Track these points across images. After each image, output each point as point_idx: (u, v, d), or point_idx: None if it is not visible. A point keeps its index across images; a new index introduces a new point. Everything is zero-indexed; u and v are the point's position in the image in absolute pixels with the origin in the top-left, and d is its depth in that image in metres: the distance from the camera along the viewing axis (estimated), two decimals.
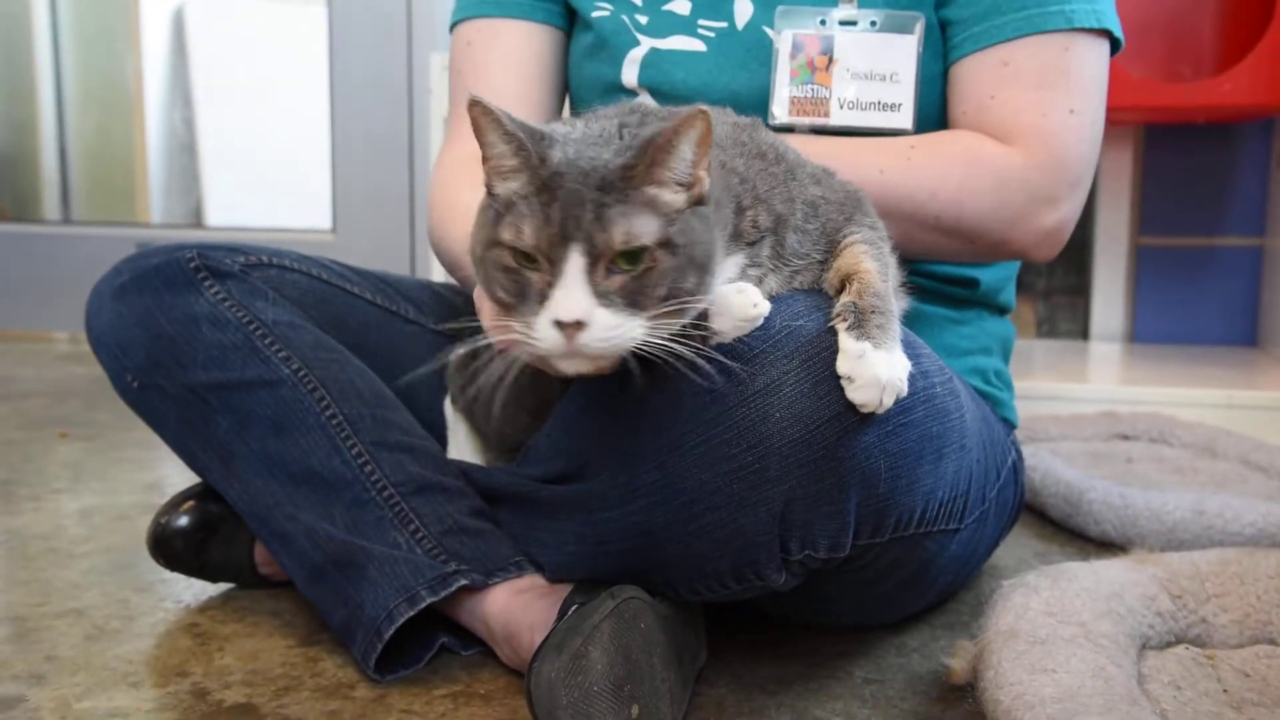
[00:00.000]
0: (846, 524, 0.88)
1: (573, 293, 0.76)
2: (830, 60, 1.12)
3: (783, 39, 1.13)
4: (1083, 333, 2.67)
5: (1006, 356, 1.37)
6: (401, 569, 1.05)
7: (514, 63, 1.26)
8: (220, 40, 3.70)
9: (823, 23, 1.12)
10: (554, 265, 0.77)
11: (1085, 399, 2.05)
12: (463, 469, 1.14)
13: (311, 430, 1.09)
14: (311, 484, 1.09)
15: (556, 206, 0.77)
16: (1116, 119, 2.40)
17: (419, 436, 1.15)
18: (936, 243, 1.12)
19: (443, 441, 1.22)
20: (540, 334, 0.77)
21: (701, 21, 1.18)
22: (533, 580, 1.05)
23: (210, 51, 3.67)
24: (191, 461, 1.16)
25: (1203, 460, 1.80)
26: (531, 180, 0.79)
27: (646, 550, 0.93)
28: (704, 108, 0.77)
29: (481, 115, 0.79)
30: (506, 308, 0.80)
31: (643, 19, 1.20)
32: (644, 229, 0.77)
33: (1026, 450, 1.72)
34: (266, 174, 3.63)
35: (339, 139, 2.82)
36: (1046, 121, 1.10)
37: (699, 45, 1.18)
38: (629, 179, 0.78)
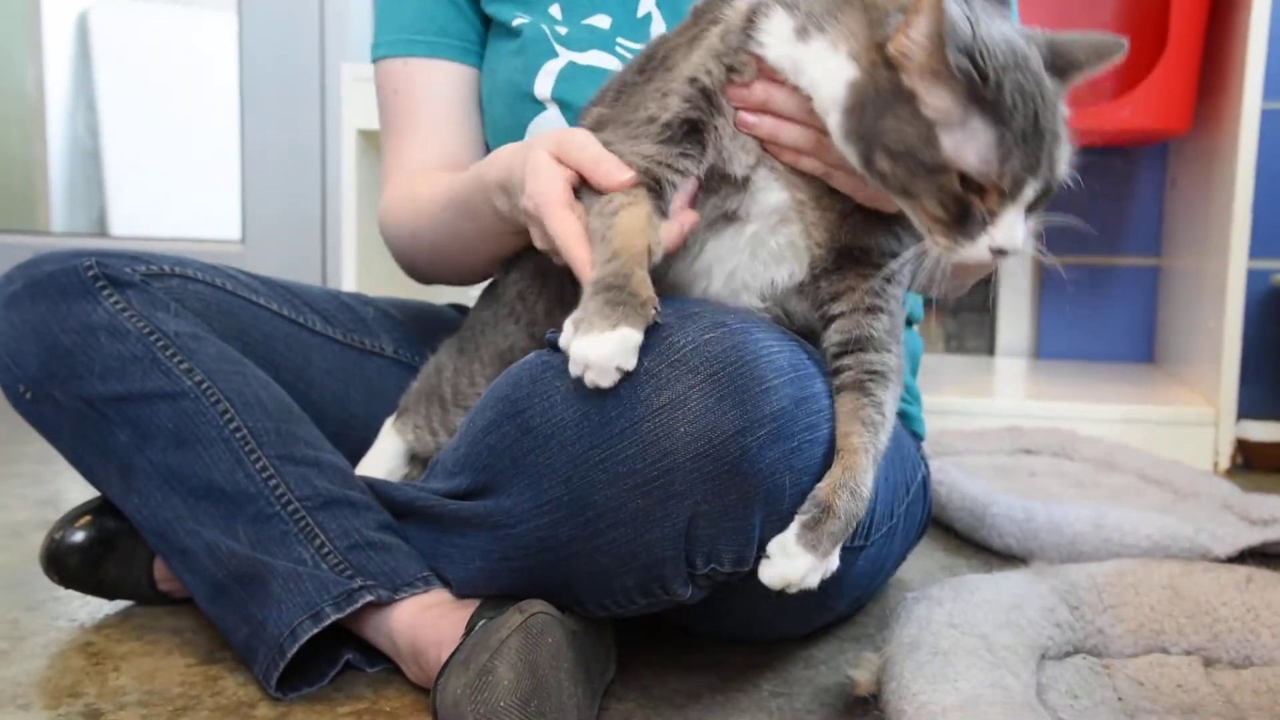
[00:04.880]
0: (751, 538, 0.89)
1: (1018, 227, 0.80)
2: None
3: None
4: (989, 348, 2.72)
5: (915, 369, 1.39)
6: (306, 585, 1.03)
7: (445, 98, 1.29)
8: (127, 45, 3.61)
9: None
10: (1004, 198, 0.80)
11: (991, 414, 2.10)
12: (370, 483, 1.12)
13: (214, 443, 1.07)
14: (214, 498, 1.06)
15: (1020, 145, 0.79)
16: None
17: (325, 450, 1.13)
18: None
19: (350, 456, 1.20)
20: (970, 252, 0.80)
21: (620, 40, 1.19)
22: (440, 596, 1.04)
23: (116, 57, 3.59)
24: (89, 475, 1.13)
25: (1102, 474, 1.85)
26: (970, 98, 0.79)
27: (553, 566, 0.93)
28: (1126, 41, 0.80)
29: (934, 9, 0.78)
30: (927, 213, 0.82)
31: (562, 30, 1.20)
32: (1069, 157, 0.83)
33: (934, 464, 1.76)
34: (174, 182, 3.56)
35: (249, 148, 2.77)
36: None
37: (615, 64, 1.18)
38: (1063, 105, 0.82)
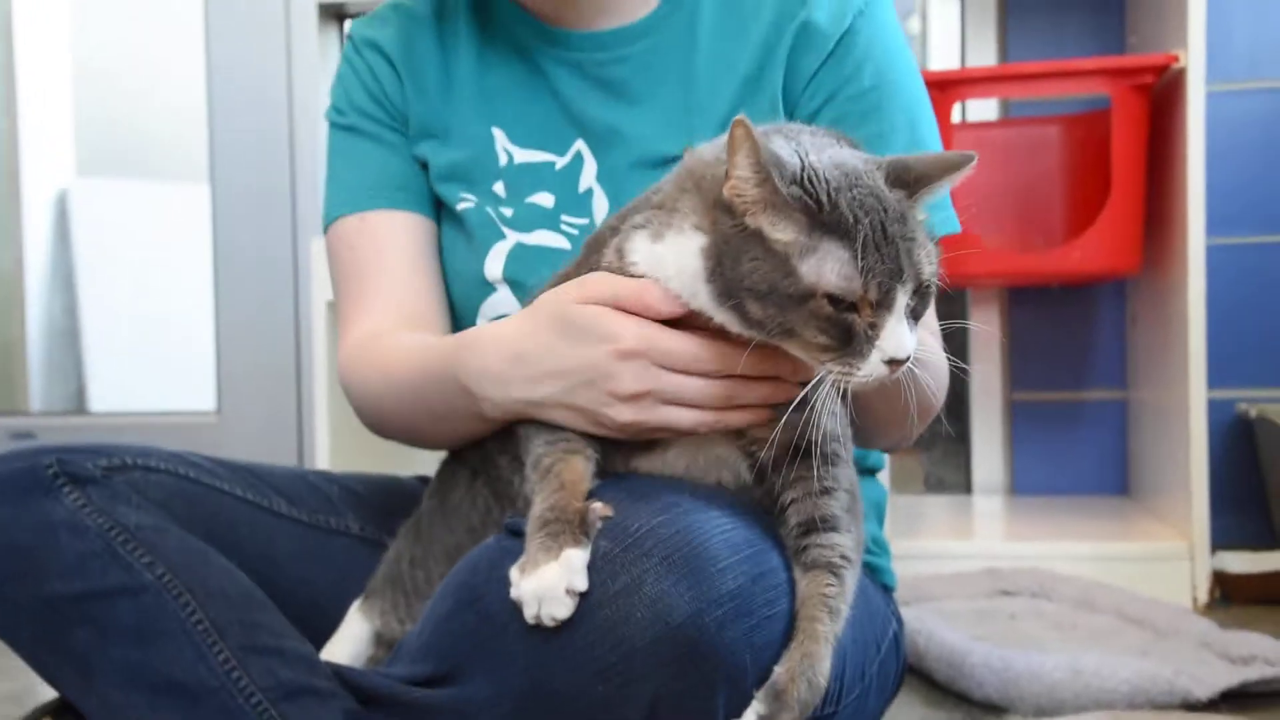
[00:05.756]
0: (715, 719, 0.88)
1: (903, 333, 0.82)
2: None
3: None
4: (966, 485, 2.73)
5: (881, 519, 1.39)
6: None
7: (406, 248, 1.28)
8: (104, 223, 3.68)
9: None
10: (880, 308, 0.81)
11: (970, 555, 2.09)
12: (335, 670, 1.11)
13: (175, 637, 1.06)
14: (175, 694, 1.05)
15: (874, 250, 0.80)
16: (980, 284, 2.52)
17: (290, 638, 1.11)
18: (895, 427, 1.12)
19: (319, 637, 1.19)
20: (867, 371, 0.82)
21: (564, 217, 1.23)
22: None
23: (94, 235, 3.65)
24: (47, 676, 1.11)
25: (1081, 614, 1.84)
26: (814, 224, 0.81)
27: None
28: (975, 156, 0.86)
29: (745, 140, 0.81)
30: (813, 346, 0.83)
31: (507, 211, 1.24)
32: (933, 254, 0.85)
33: (912, 612, 1.75)
34: (151, 356, 3.58)
35: (223, 320, 2.80)
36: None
37: (563, 243, 1.22)
38: (914, 213, 0.84)
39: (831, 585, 0.92)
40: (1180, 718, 1.15)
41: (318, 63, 2.70)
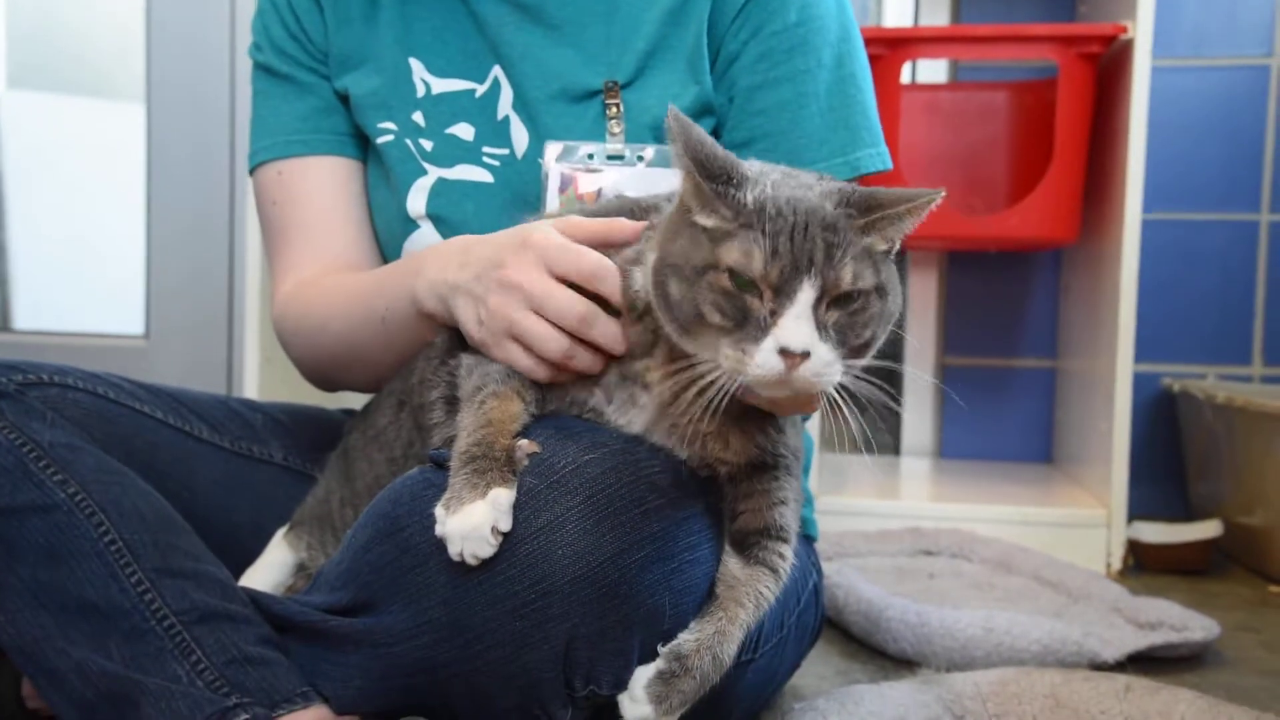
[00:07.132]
0: (630, 660, 0.88)
1: (802, 323, 0.78)
2: (598, 194, 1.15)
3: (552, 173, 1.16)
4: (896, 447, 2.76)
5: (805, 470, 1.40)
6: (179, 704, 0.99)
7: (325, 194, 1.28)
8: (35, 138, 3.58)
9: (590, 157, 1.16)
10: (780, 295, 0.79)
11: (896, 515, 2.12)
12: (251, 596, 1.10)
13: (88, 557, 1.04)
14: (86, 615, 1.03)
15: (785, 239, 0.79)
16: (920, 246, 2.54)
17: (206, 562, 1.10)
18: None
19: (237, 566, 1.18)
20: (760, 360, 0.78)
21: (486, 149, 1.21)
22: (319, 712, 1.01)
23: (24, 149, 3.55)
24: None
25: (999, 576, 1.87)
26: (738, 215, 0.81)
27: (432, 687, 0.92)
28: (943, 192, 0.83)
29: (679, 130, 0.82)
30: (714, 330, 0.81)
31: (427, 144, 1.22)
32: (866, 273, 0.80)
33: (833, 566, 1.77)
34: (79, 276, 3.50)
35: (155, 243, 2.75)
36: None
37: (485, 175, 1.20)
38: (853, 228, 0.81)
39: (768, 587, 0.94)
40: (1085, 676, 1.18)
41: None
